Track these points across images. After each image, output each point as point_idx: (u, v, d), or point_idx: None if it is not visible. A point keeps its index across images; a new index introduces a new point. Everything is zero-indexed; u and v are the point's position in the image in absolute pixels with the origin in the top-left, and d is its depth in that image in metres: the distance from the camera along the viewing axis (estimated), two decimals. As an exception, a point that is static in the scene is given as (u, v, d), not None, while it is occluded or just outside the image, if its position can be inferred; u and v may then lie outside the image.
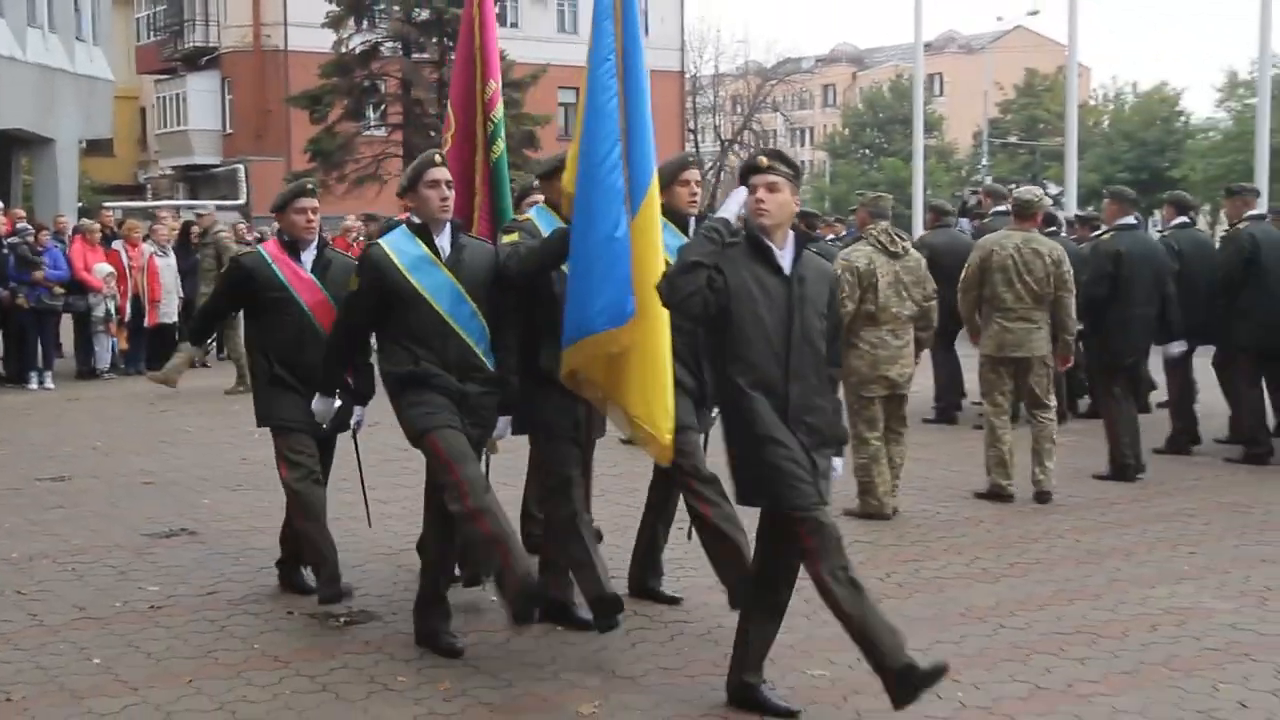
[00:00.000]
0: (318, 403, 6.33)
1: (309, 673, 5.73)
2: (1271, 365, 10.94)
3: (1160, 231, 12.49)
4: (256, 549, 7.94)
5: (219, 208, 21.53)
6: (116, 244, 17.44)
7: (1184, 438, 11.12)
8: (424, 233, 5.85)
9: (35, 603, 6.83)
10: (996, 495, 9.24)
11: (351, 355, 6.41)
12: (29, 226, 17.17)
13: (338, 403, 6.41)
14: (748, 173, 5.19)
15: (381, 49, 36.44)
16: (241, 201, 41.11)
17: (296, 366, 6.56)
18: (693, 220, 6.37)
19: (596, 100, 5.72)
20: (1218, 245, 11.47)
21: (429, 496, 6.10)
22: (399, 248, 5.84)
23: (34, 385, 15.76)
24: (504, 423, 6.14)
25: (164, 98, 49.76)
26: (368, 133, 37.45)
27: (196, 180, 48.26)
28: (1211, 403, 11.65)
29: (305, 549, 6.72)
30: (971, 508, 9.07)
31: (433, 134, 35.22)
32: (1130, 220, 10.52)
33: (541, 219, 6.23)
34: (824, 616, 6.13)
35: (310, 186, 6.85)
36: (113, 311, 16.82)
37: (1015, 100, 68.56)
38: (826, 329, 5.20)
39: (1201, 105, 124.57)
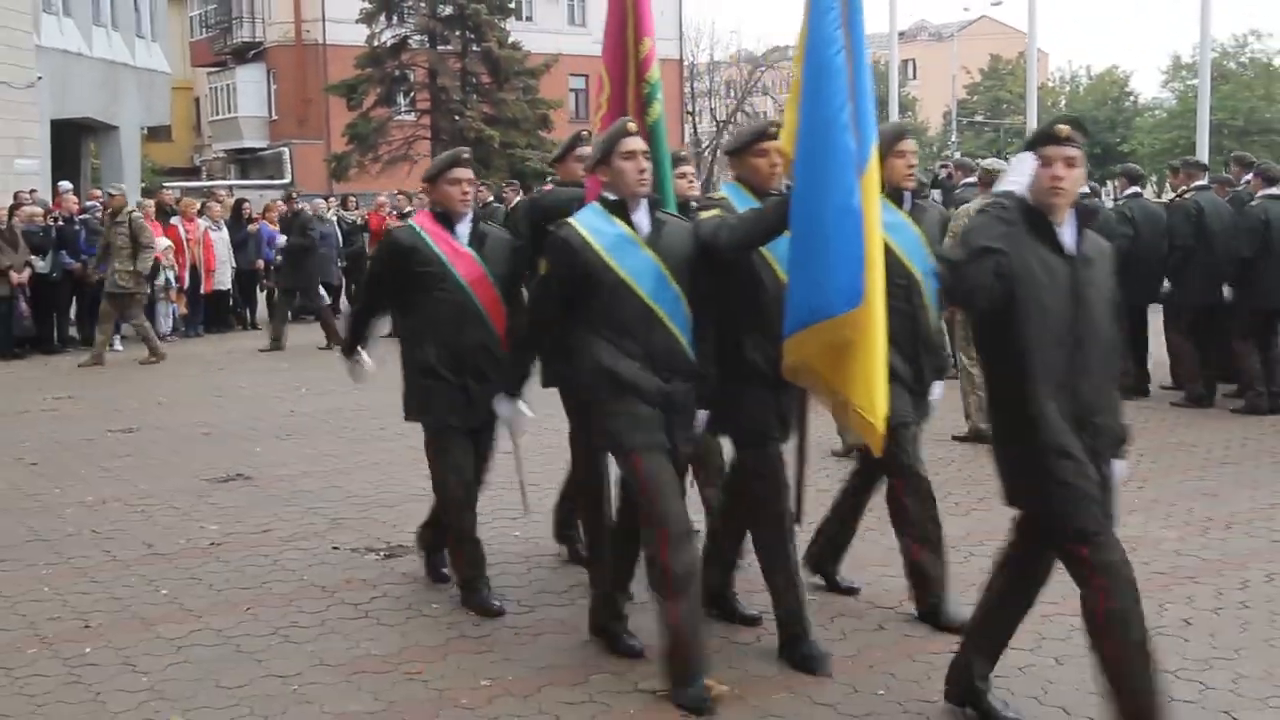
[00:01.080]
0: (503, 406, 5.19)
1: (353, 600, 5.75)
2: (1214, 319, 10.90)
3: (1115, 201, 12.40)
4: (305, 491, 7.97)
5: (266, 186, 21.45)
6: (175, 220, 17.41)
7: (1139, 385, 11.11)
8: (619, 209, 4.71)
9: (109, 541, 6.86)
10: (976, 438, 9.21)
11: (541, 349, 5.32)
12: (97, 204, 17.17)
13: (524, 407, 5.20)
14: (1042, 141, 4.06)
15: (410, 42, 36.31)
16: (287, 180, 40.98)
17: (455, 351, 5.51)
18: (908, 196, 5.39)
19: (821, 56, 4.48)
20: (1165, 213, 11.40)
21: (607, 501, 5.28)
22: (594, 227, 4.68)
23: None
24: (701, 417, 4.90)
25: (216, 88, 49.53)
26: (399, 117, 37.30)
27: (246, 162, 48.14)
28: (1160, 354, 11.62)
29: (454, 561, 5.83)
30: (945, 449, 9.05)
31: (457, 118, 35.15)
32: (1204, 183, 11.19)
33: (736, 197, 5.02)
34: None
35: (465, 155, 5.72)
36: (172, 280, 16.91)
37: (981, 83, 68.14)
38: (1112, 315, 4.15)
39: (1148, 86, 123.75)
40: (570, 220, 4.76)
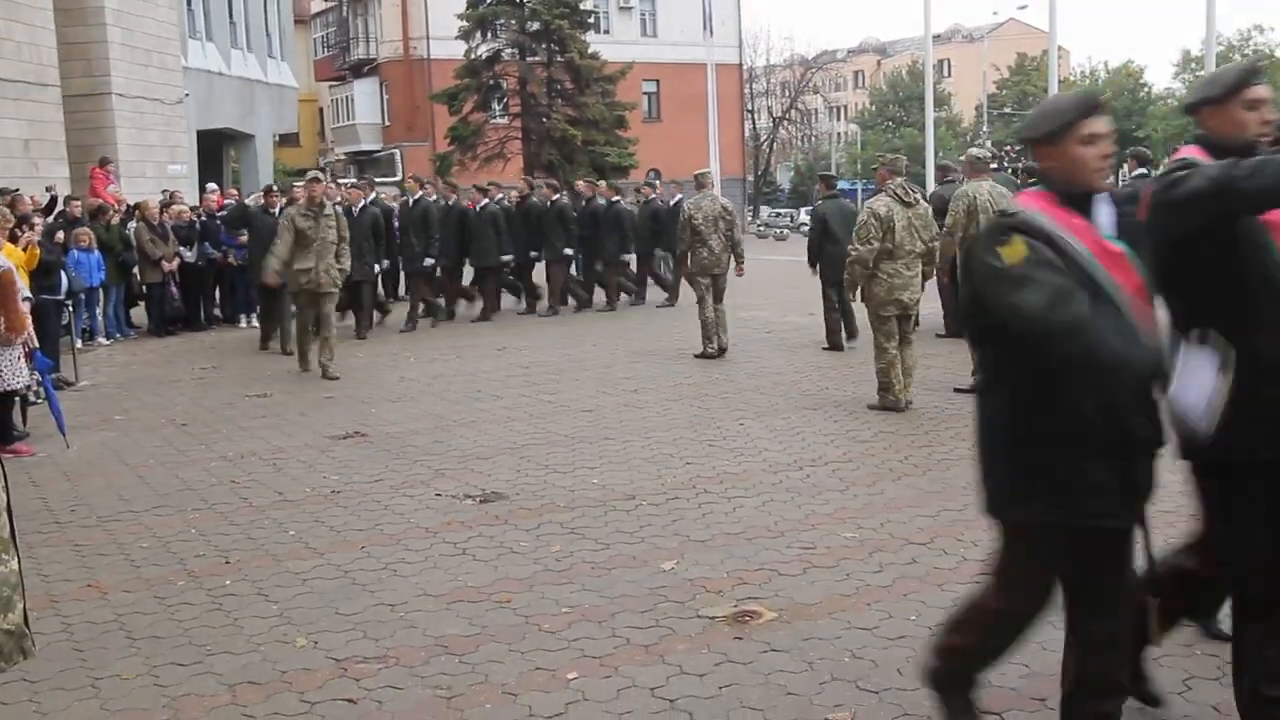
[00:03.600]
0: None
1: (452, 539, 5.79)
2: None
3: (1124, 183, 12.13)
4: (412, 446, 8.02)
5: (380, 183, 21.47)
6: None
7: None
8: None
9: (246, 489, 6.96)
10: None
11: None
12: (234, 202, 17.37)
13: None
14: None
15: (503, 54, 36.29)
16: (399, 178, 41.25)
17: (1111, 402, 2.94)
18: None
19: None
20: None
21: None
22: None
23: (243, 325, 15.95)
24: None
25: (336, 99, 49.95)
26: (493, 121, 37.34)
27: (363, 163, 48.42)
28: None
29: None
30: (972, 403, 8.93)
31: (544, 120, 35.15)
32: None
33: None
34: (855, 491, 6.10)
35: (1099, 101, 3.08)
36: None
37: (1009, 79, 66.88)
38: None
39: (1161, 78, 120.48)
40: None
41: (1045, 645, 3.92)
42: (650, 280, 17.74)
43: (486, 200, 16.02)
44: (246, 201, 14.86)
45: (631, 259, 17.66)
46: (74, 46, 22.49)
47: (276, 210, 13.51)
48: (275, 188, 15.69)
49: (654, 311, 16.71)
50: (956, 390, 9.32)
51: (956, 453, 7.35)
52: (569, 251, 16.59)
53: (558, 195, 16.80)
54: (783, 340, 13.17)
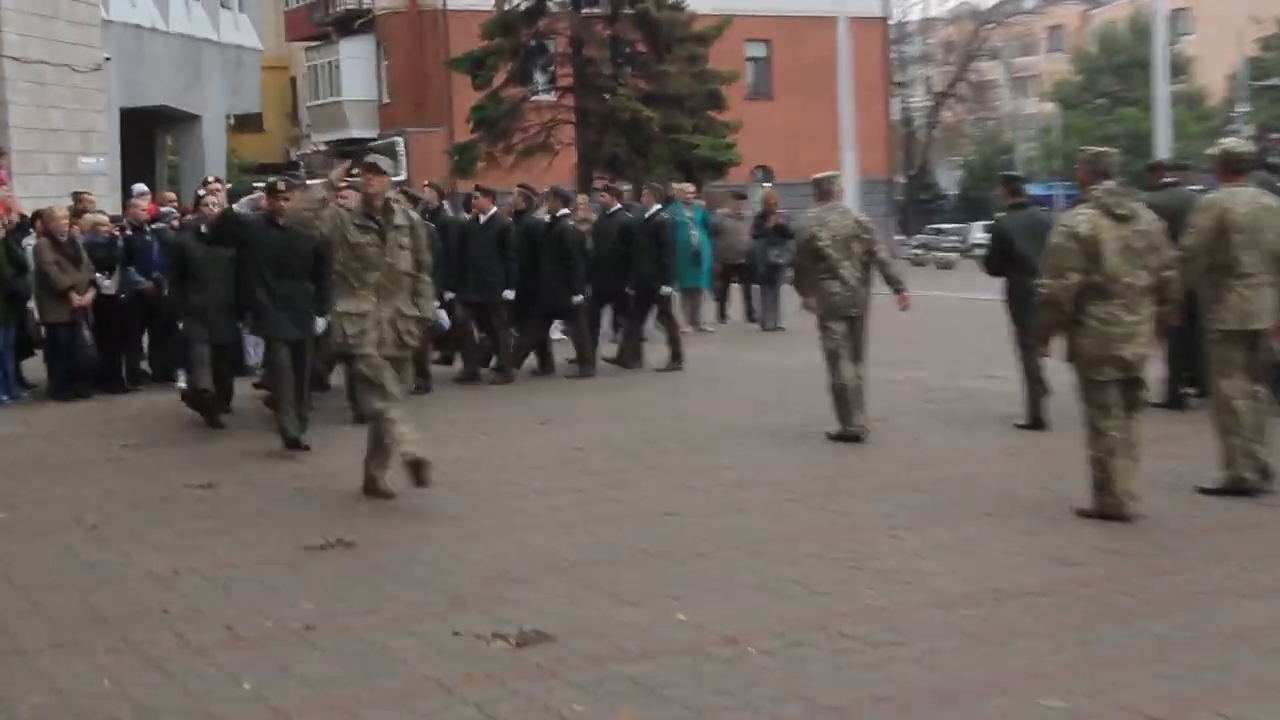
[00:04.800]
0: None
1: (475, 700, 5.75)
2: None
3: None
4: (419, 562, 8.03)
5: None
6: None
7: None
8: None
9: (182, 621, 6.95)
10: (1236, 489, 8.97)
11: None
12: (174, 210, 17.65)
13: None
14: None
15: (549, 4, 36.68)
16: (401, 177, 41.83)
17: None
18: None
19: None
20: None
21: None
22: None
23: (182, 384, 15.92)
24: None
25: (315, 66, 50.96)
26: (535, 98, 37.69)
27: (352, 155, 49.01)
28: None
29: None
30: (1232, 508, 8.76)
31: (607, 97, 35.40)
32: None
33: None
34: (1062, 638, 6.00)
35: None
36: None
37: (1277, 35, 66.40)
38: None
39: None
40: None
41: None
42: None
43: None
44: (237, 207, 14.23)
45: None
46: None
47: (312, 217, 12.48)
48: (292, 179, 15.59)
49: (763, 370, 16.66)
50: (1202, 491, 9.16)
51: (1212, 582, 7.20)
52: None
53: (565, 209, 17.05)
54: (952, 414, 13.07)
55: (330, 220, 9.78)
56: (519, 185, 17.62)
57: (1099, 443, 8.67)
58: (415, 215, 10.55)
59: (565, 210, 16.79)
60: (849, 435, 11.67)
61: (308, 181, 12.09)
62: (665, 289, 17.42)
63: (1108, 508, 8.62)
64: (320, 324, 11.88)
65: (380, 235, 9.79)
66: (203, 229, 13.47)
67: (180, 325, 13.73)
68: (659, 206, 17.83)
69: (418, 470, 9.36)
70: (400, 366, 10.05)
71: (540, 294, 16.32)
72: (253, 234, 12.35)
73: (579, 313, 16.79)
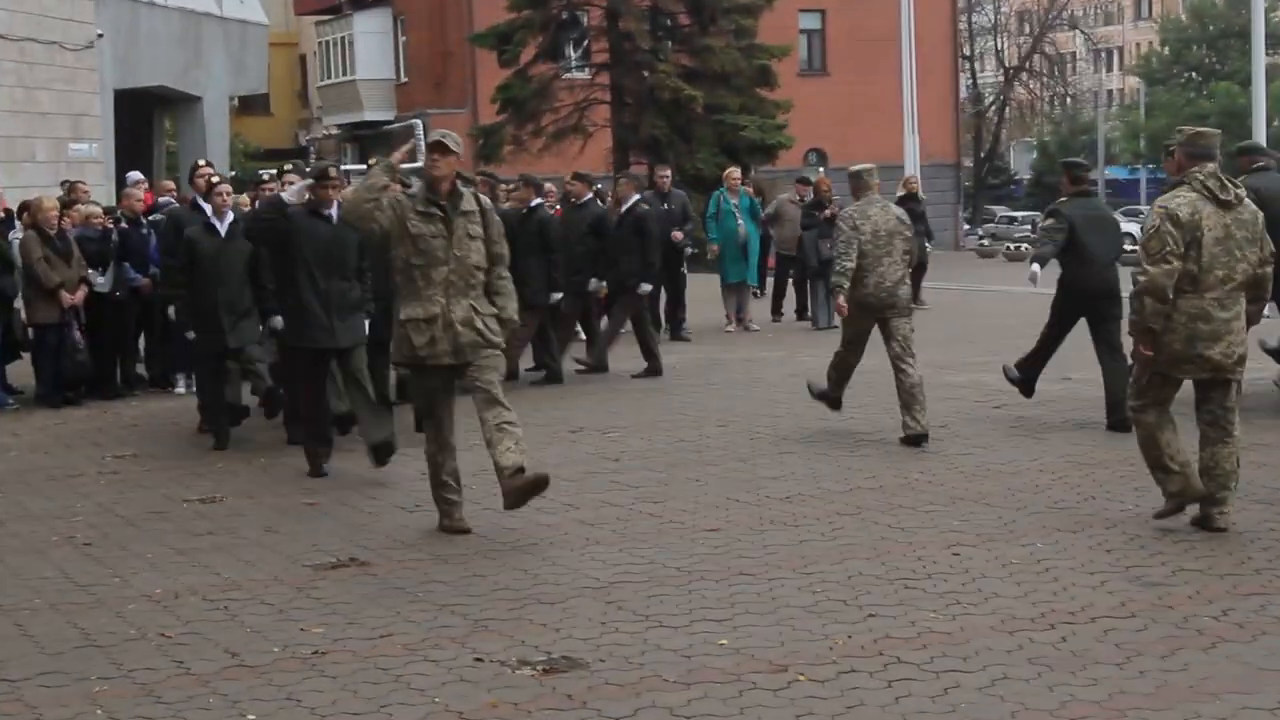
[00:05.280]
0: None
1: (499, 733, 5.79)
2: None
3: None
4: (438, 583, 8.05)
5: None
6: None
7: None
8: None
9: (181, 647, 6.99)
10: None
11: None
12: (173, 200, 17.68)
13: None
14: None
15: (582, -28, 36.69)
16: (419, 164, 41.81)
17: None
18: None
19: None
20: None
21: None
22: None
23: (181, 389, 16.07)
24: None
25: (326, 43, 50.99)
26: (567, 75, 37.67)
27: (367, 140, 49.14)
28: None
29: None
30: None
31: (646, 74, 35.37)
32: None
33: None
34: (1142, 665, 6.01)
35: None
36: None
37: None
38: None
39: None
40: None
41: None
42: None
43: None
44: (285, 195, 13.42)
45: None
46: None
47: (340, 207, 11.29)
48: (340, 165, 15.48)
49: (813, 373, 16.63)
50: None
51: (1308, 605, 7.17)
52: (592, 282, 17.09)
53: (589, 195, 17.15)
54: (1020, 420, 13.03)
55: (390, 209, 9.21)
56: (479, 171, 17.51)
57: (1154, 444, 8.79)
58: (486, 200, 9.86)
59: (539, 200, 16.78)
60: (831, 399, 12.86)
61: (306, 169, 11.70)
62: (645, 286, 17.56)
63: (1173, 496, 8.73)
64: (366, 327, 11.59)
65: (446, 224, 9.17)
66: (220, 224, 13.06)
67: (189, 335, 13.37)
68: (638, 197, 17.81)
69: (516, 481, 8.96)
70: (487, 372, 9.34)
71: (521, 291, 16.32)
72: (299, 227, 11.50)
73: (559, 311, 16.84)
